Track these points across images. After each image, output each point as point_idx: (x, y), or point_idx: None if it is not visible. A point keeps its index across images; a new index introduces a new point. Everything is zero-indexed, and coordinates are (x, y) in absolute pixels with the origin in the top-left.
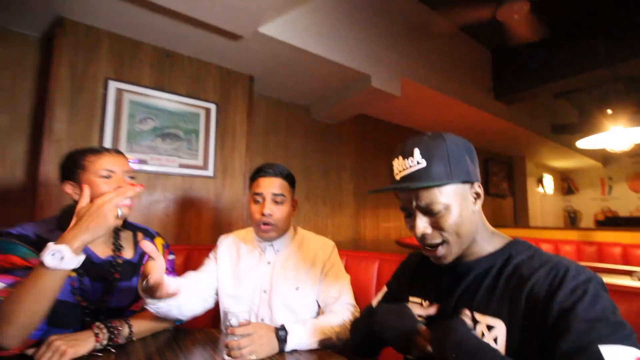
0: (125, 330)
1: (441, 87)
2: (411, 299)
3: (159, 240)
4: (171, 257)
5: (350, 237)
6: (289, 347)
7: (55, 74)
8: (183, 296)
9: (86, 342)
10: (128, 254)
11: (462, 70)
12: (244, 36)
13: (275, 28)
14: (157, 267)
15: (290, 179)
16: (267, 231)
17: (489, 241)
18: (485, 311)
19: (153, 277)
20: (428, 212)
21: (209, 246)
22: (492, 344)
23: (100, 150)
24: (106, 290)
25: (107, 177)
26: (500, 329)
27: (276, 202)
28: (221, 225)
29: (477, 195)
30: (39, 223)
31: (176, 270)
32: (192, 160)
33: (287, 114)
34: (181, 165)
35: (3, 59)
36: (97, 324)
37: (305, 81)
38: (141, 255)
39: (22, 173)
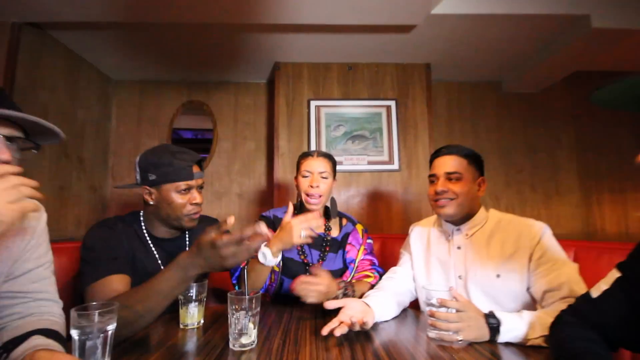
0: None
1: None
2: None
3: (359, 227)
4: (369, 240)
5: (577, 231)
6: (502, 337)
7: (277, 105)
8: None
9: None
10: (334, 233)
11: None
12: (417, 24)
13: (449, 4)
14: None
15: (468, 156)
16: (443, 205)
17: None
18: None
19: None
20: None
21: (401, 235)
22: None
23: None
24: (320, 257)
25: (306, 176)
26: None
27: (450, 180)
28: (410, 215)
29: None
30: (279, 209)
31: (374, 253)
32: (378, 157)
33: (472, 94)
34: (369, 162)
35: (248, 104)
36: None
37: (493, 52)
38: (345, 235)
39: (264, 181)
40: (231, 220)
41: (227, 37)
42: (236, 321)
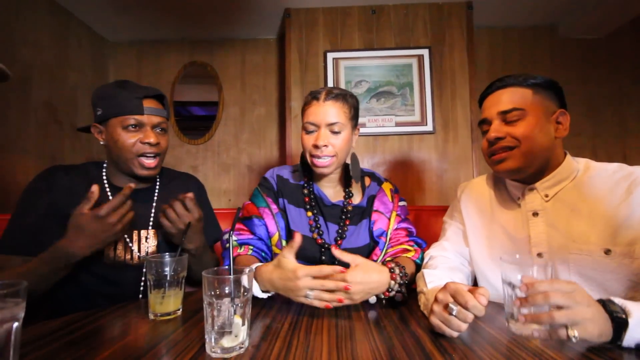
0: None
1: None
2: None
3: (386, 185)
4: (402, 203)
5: None
6: (632, 336)
7: (289, 60)
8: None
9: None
10: (357, 199)
11: None
12: None
13: None
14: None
15: (536, 85)
16: (501, 160)
17: None
18: None
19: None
20: None
21: (438, 207)
22: None
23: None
24: (338, 234)
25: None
26: None
27: (508, 122)
28: (447, 186)
29: None
30: (284, 167)
31: (410, 219)
32: (408, 117)
33: (521, 41)
34: (398, 124)
35: (256, 63)
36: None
37: None
38: (370, 198)
39: (277, 149)
40: (189, 194)
41: None
42: (216, 314)
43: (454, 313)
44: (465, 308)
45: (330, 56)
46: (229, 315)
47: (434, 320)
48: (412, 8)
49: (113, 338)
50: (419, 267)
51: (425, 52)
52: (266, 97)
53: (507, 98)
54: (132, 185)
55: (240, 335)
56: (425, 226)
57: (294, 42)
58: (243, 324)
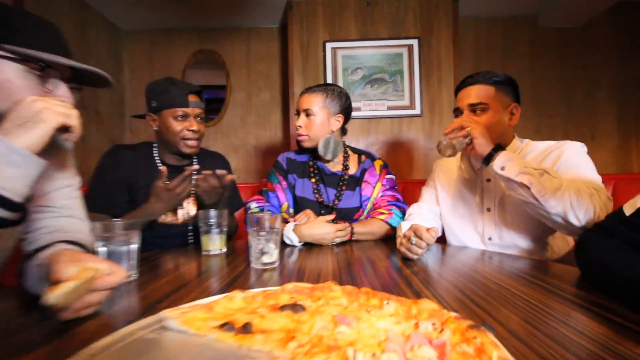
0: (347, 229)
1: None
2: None
3: (377, 162)
4: (389, 176)
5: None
6: (497, 162)
7: (291, 49)
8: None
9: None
10: (352, 170)
11: None
12: None
13: None
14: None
15: (498, 83)
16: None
17: None
18: None
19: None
20: None
21: (423, 180)
22: None
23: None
24: (336, 197)
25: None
26: None
27: (475, 112)
28: (432, 162)
29: None
30: (293, 151)
31: (397, 189)
32: (399, 102)
33: (503, 30)
34: (389, 108)
35: (261, 51)
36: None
37: None
38: (362, 171)
39: (280, 132)
40: (222, 172)
41: None
42: (257, 241)
43: (413, 242)
44: (420, 239)
45: (329, 46)
46: (267, 241)
47: (401, 248)
48: (403, 1)
49: (183, 264)
50: (390, 225)
51: (414, 42)
52: (270, 83)
53: (475, 93)
54: (196, 167)
55: (273, 255)
56: (411, 195)
57: (296, 33)
58: (275, 248)
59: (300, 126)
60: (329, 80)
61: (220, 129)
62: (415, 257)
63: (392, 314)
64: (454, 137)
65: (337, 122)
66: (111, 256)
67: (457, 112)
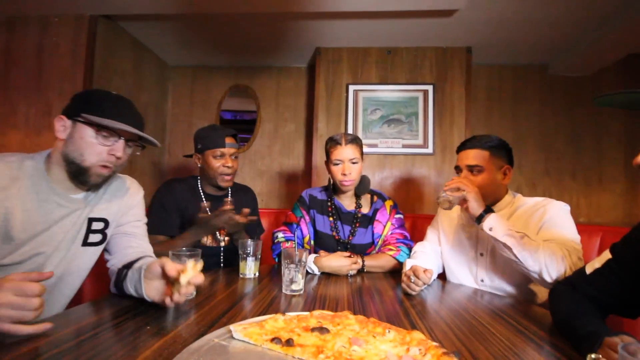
0: (360, 262)
1: None
2: None
3: (388, 203)
4: (398, 215)
5: (618, 221)
6: (487, 222)
7: (317, 89)
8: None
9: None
10: (365, 209)
11: None
12: (459, 8)
13: None
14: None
15: (492, 147)
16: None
17: None
18: None
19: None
20: None
21: (431, 216)
22: None
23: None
24: (350, 233)
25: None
26: None
27: (472, 172)
28: None
29: None
30: (315, 188)
31: (405, 227)
32: (413, 140)
33: (514, 77)
34: (404, 146)
35: (289, 87)
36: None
37: (539, 34)
38: (374, 211)
39: (303, 162)
40: (246, 210)
41: (272, 24)
42: (288, 272)
43: (412, 280)
44: (418, 278)
45: (352, 88)
46: (296, 273)
47: (402, 284)
48: (421, 50)
49: (227, 286)
50: (397, 261)
51: (430, 88)
52: (296, 116)
53: (472, 156)
54: (228, 206)
55: (300, 283)
56: (421, 229)
57: (322, 74)
58: (302, 278)
59: (350, 173)
60: (350, 118)
61: (249, 155)
62: (413, 292)
63: (392, 340)
64: (452, 195)
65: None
66: None
67: (458, 169)
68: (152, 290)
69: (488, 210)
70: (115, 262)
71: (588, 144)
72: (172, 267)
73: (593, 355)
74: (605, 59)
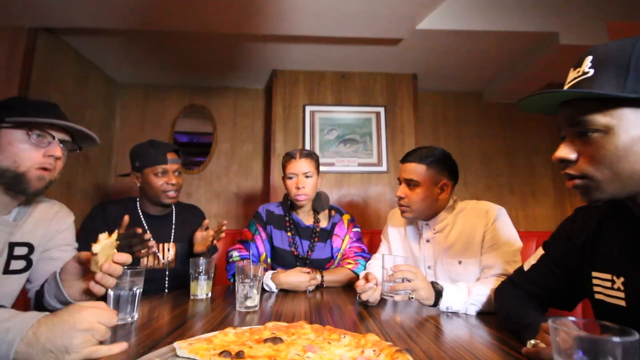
0: (319, 277)
1: None
2: (595, 274)
3: (346, 217)
4: (355, 229)
5: (551, 230)
6: (442, 304)
7: (274, 110)
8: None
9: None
10: (323, 224)
11: None
12: (403, 37)
13: (432, 21)
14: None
15: (430, 162)
16: (403, 211)
17: None
18: None
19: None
20: (580, 133)
21: None
22: None
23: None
24: (309, 248)
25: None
26: None
27: (409, 185)
28: None
29: None
30: (272, 203)
31: (363, 241)
32: (368, 159)
33: (456, 103)
34: (360, 164)
35: (247, 108)
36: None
37: (473, 64)
38: (333, 225)
39: (261, 182)
40: (206, 222)
41: (228, 45)
42: (242, 287)
43: (360, 287)
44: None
45: (308, 109)
46: (250, 289)
47: (357, 290)
48: (372, 75)
49: (174, 307)
50: (356, 274)
51: (381, 110)
52: (253, 136)
53: (410, 169)
54: (139, 230)
55: (255, 299)
56: (377, 245)
57: (279, 96)
58: (257, 294)
59: (303, 187)
60: (307, 138)
61: (204, 176)
62: (365, 297)
63: (347, 345)
64: (397, 287)
65: (319, 180)
66: (118, 299)
67: (399, 181)
68: (75, 291)
69: (438, 293)
70: (35, 289)
71: (521, 162)
72: (83, 253)
73: (532, 341)
74: (528, 88)
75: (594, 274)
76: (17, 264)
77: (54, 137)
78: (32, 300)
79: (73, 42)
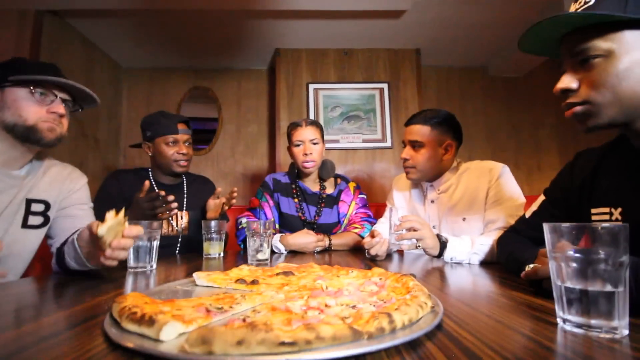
0: (326, 241)
1: None
2: (594, 211)
3: (351, 184)
4: (361, 195)
5: None
6: (447, 255)
7: (278, 89)
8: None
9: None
10: (329, 190)
11: None
12: (406, 9)
13: None
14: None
15: (434, 123)
16: (407, 172)
17: None
18: None
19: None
20: (582, 61)
21: None
22: None
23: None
24: (316, 213)
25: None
26: None
27: (414, 147)
28: None
29: None
30: (278, 173)
31: (368, 207)
32: (372, 135)
33: (460, 78)
34: (364, 140)
35: (250, 89)
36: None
37: (478, 37)
38: (339, 192)
39: (267, 162)
40: (219, 190)
41: (231, 24)
42: (253, 242)
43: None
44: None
45: (312, 87)
46: (261, 242)
47: (365, 247)
48: (375, 52)
49: (188, 262)
50: (362, 237)
51: (385, 86)
52: (258, 116)
53: (414, 131)
54: (162, 192)
55: (266, 252)
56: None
57: (283, 75)
58: (267, 248)
59: (311, 153)
60: (312, 116)
61: (211, 157)
62: (374, 252)
63: (355, 277)
64: (405, 236)
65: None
66: (138, 250)
67: (404, 144)
68: (91, 256)
69: (443, 245)
70: (56, 245)
71: (526, 136)
72: (95, 223)
73: (531, 265)
74: (533, 61)
75: (593, 210)
76: (34, 220)
77: (56, 96)
78: (54, 255)
79: (79, 25)
